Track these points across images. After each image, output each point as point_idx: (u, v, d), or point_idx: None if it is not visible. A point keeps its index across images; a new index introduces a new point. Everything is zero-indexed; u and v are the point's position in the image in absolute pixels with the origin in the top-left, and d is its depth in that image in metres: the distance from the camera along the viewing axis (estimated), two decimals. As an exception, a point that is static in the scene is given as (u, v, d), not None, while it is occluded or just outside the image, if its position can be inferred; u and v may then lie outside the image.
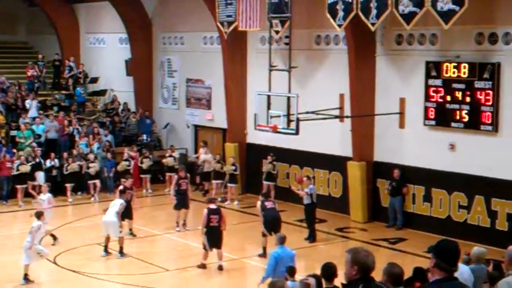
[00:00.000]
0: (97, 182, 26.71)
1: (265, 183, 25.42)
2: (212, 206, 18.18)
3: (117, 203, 19.38)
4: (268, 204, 19.31)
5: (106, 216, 19.23)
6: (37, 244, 16.98)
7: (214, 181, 26.63)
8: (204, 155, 27.35)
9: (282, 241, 14.65)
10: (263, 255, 19.07)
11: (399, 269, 7.69)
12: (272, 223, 19.01)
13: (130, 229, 21.11)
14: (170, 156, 28.00)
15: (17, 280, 16.99)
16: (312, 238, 20.94)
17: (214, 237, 17.97)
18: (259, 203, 19.51)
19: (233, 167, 26.01)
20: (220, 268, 18.12)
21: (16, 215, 22.10)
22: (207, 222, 17.87)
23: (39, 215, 17.38)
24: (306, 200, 20.87)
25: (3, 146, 26.56)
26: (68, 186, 26.26)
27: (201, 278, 17.79)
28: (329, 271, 9.85)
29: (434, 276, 5.49)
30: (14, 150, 26.17)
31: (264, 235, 19.12)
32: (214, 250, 18.05)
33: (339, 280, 10.69)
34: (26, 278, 16.85)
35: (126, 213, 20.28)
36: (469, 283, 10.32)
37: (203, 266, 18.11)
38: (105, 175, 27.24)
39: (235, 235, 22.23)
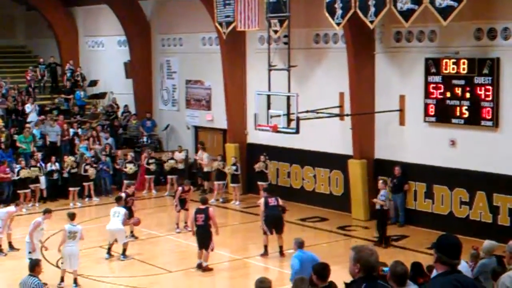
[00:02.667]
0: (91, 184, 26.76)
1: (258, 183, 25.39)
2: (201, 206, 18.18)
3: (120, 212, 19.26)
4: (271, 201, 19.20)
5: (111, 225, 19.20)
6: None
7: (216, 182, 26.65)
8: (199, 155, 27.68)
9: (300, 246, 14.21)
10: (265, 254, 19.05)
11: (402, 268, 7.62)
12: (273, 222, 18.99)
13: (131, 232, 21.12)
14: (172, 159, 27.98)
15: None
16: (385, 243, 20.09)
17: (199, 236, 18.00)
18: (262, 199, 19.44)
19: (234, 167, 26.00)
20: (199, 266, 18.04)
21: (19, 219, 22.09)
22: (194, 222, 18.08)
23: (72, 217, 17.19)
24: (378, 205, 20.34)
25: (3, 151, 26.52)
26: (72, 190, 26.24)
27: (203, 279, 17.77)
28: (322, 270, 9.84)
29: (438, 270, 5.48)
30: (21, 160, 25.94)
31: (265, 233, 19.09)
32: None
33: (343, 278, 10.70)
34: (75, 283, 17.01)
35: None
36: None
37: (199, 266, 18.09)
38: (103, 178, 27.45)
39: (237, 235, 22.27)
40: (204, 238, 17.94)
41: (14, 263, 18.99)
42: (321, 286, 9.65)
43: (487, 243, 12.72)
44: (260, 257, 19.09)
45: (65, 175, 26.45)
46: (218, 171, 26.52)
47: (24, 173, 25.29)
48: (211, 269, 18.12)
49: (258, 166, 25.48)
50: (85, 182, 26.61)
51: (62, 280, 16.97)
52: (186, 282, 17.77)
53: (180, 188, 22.26)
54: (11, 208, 20.22)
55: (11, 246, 20.03)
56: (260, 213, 19.44)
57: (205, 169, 27.23)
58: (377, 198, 20.29)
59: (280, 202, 19.46)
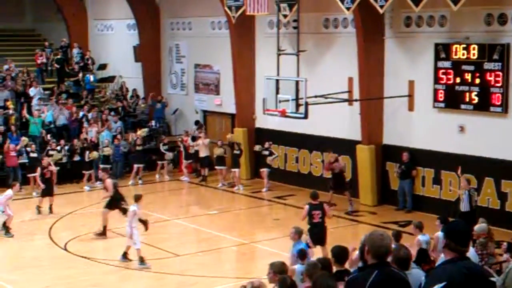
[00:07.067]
0: (108, 167, 26.76)
1: (263, 170, 25.40)
2: (314, 201, 16.87)
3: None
4: None
5: None
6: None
7: (217, 167, 26.53)
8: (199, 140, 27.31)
9: (300, 235, 13.87)
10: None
11: (405, 252, 7.60)
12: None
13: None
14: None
15: (22, 265, 17.22)
16: None
17: (316, 232, 16.60)
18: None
19: (238, 151, 25.92)
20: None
21: (29, 202, 22.27)
22: (309, 218, 16.68)
23: (136, 198, 17.53)
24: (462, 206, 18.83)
25: (11, 134, 26.54)
26: (87, 173, 26.19)
27: (211, 262, 17.82)
28: (341, 253, 9.82)
29: (446, 257, 5.48)
30: (24, 138, 26.01)
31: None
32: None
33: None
34: (142, 260, 17.18)
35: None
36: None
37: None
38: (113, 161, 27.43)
39: (243, 219, 22.32)
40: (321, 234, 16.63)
41: (18, 245, 19.12)
42: (337, 270, 9.63)
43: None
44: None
45: (77, 158, 26.42)
46: (218, 157, 26.33)
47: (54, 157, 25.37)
48: None
49: (258, 148, 25.54)
50: (103, 164, 26.48)
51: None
52: (194, 265, 17.80)
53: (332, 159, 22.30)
54: (8, 192, 20.11)
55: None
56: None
57: (201, 155, 27.02)
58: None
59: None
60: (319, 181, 24.92)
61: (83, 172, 26.18)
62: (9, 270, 17.32)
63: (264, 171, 25.24)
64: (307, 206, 16.74)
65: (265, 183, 25.18)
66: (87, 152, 26.15)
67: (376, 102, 22.71)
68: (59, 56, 32.87)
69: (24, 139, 25.69)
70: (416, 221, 15.02)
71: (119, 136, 27.68)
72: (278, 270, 9.17)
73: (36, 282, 16.41)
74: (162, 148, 27.71)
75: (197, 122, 28.86)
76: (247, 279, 16.70)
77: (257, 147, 25.82)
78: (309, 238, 15.87)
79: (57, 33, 35.14)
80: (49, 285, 16.17)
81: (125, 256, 17.41)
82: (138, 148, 27.14)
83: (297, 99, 20.50)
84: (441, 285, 5.24)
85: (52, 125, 28.25)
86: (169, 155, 27.79)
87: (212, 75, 29.47)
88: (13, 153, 25.21)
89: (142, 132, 27.47)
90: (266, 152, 25.32)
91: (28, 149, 25.57)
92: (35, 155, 25.32)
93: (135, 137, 27.45)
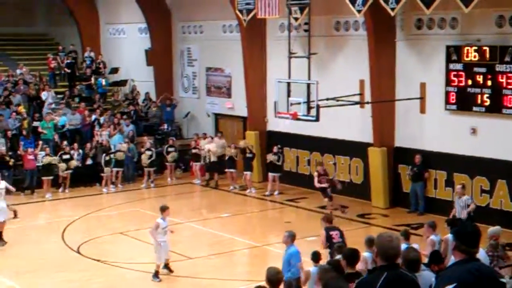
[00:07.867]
0: (121, 170, 26.84)
1: (270, 174, 25.37)
2: (329, 224, 15.70)
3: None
4: None
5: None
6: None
7: (228, 170, 26.54)
8: (208, 145, 27.15)
9: (294, 239, 13.65)
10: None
11: (414, 254, 7.60)
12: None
13: None
14: (195, 148, 27.87)
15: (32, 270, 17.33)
16: None
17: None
18: None
19: (251, 155, 25.93)
20: None
21: (43, 205, 22.37)
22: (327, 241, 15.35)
23: (161, 209, 16.59)
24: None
25: (24, 138, 26.68)
26: (105, 176, 26.26)
27: (223, 265, 17.85)
28: (353, 256, 9.83)
29: (456, 258, 5.49)
30: (46, 147, 26.15)
31: None
32: None
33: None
34: (156, 275, 16.53)
35: None
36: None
37: None
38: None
39: (255, 222, 22.33)
40: None
41: (30, 248, 19.22)
42: (348, 272, 9.62)
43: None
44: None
45: (89, 162, 26.54)
46: (230, 158, 26.35)
47: (48, 160, 25.41)
48: None
49: (270, 158, 25.40)
50: (116, 167, 26.56)
51: None
52: (206, 268, 17.85)
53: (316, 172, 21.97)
54: None
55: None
56: None
57: (212, 159, 26.97)
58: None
59: None
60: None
61: (102, 175, 26.27)
62: (21, 273, 17.39)
63: (276, 175, 25.24)
64: (323, 231, 15.61)
65: (276, 187, 25.21)
66: (104, 155, 26.25)
67: (387, 105, 22.70)
68: (69, 61, 33.05)
69: (42, 154, 25.79)
70: (430, 221, 14.98)
71: (127, 140, 27.76)
72: (270, 277, 9.11)
73: (48, 285, 16.49)
74: (166, 150, 27.77)
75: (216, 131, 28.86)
76: (259, 281, 16.76)
77: (270, 157, 25.69)
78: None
79: (69, 37, 35.32)
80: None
81: (167, 267, 16.98)
82: (148, 152, 27.22)
83: (308, 101, 20.51)
84: (451, 286, 5.26)
85: (65, 129, 28.41)
86: (170, 157, 27.77)
87: (223, 78, 29.53)
88: (31, 157, 25.44)
89: (146, 156, 27.38)
90: (275, 157, 25.31)
91: (43, 152, 25.73)
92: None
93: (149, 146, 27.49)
